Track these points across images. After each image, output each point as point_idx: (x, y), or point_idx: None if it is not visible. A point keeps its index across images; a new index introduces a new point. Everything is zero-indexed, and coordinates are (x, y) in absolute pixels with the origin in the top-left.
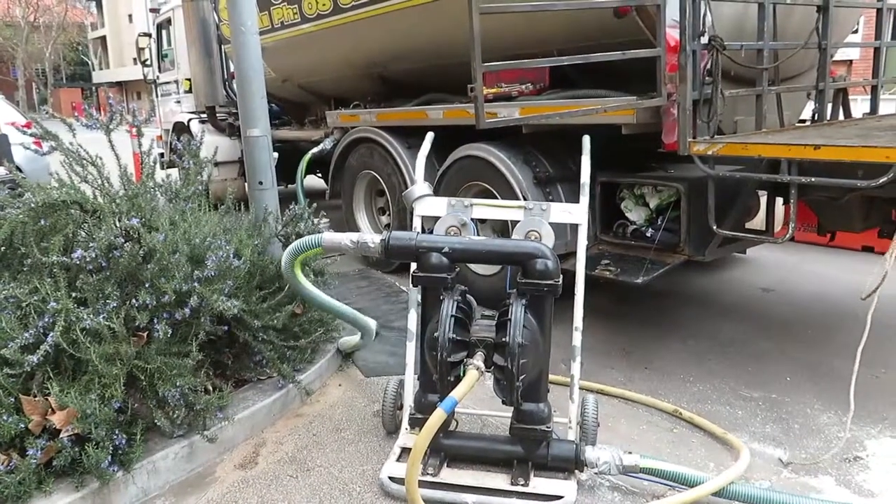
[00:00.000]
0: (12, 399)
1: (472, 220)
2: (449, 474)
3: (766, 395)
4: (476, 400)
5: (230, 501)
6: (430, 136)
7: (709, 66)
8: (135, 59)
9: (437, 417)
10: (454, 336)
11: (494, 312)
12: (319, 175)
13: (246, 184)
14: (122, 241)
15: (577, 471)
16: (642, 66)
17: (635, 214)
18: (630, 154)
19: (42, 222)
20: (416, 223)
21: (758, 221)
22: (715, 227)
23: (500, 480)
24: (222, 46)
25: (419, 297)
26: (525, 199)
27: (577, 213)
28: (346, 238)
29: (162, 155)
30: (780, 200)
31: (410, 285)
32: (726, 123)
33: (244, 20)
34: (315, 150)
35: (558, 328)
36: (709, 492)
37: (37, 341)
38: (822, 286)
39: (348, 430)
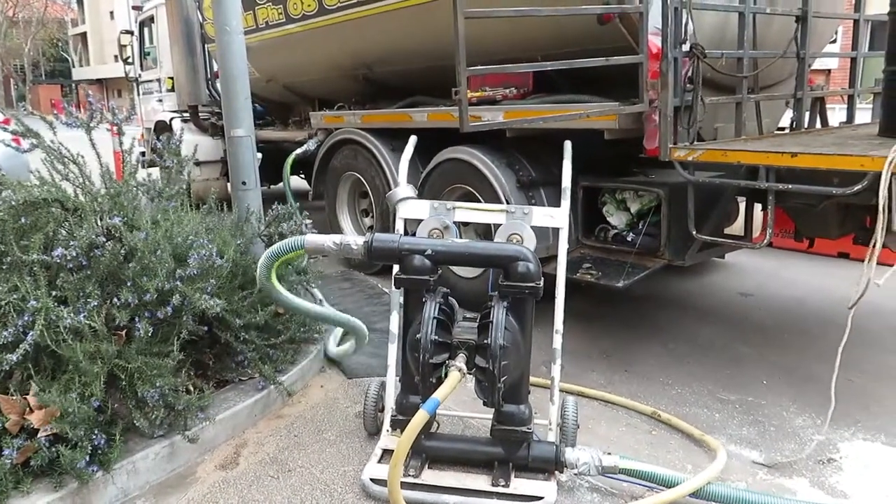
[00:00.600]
0: None
1: (454, 222)
2: (430, 475)
3: (743, 397)
4: (457, 402)
5: (211, 502)
6: (413, 139)
7: (690, 74)
8: (116, 57)
9: (419, 419)
10: (436, 338)
11: (476, 315)
12: (303, 176)
13: (229, 184)
14: (104, 239)
15: (557, 472)
16: (625, 72)
17: (617, 219)
18: (612, 159)
19: (22, 220)
20: (399, 225)
21: (737, 227)
22: (695, 232)
23: (481, 481)
24: (206, 45)
25: (401, 299)
26: (508, 202)
27: (558, 216)
28: (328, 240)
29: (143, 154)
30: (758, 206)
31: (393, 287)
32: (707, 130)
33: (229, 20)
34: (299, 150)
35: (539, 331)
36: (686, 492)
37: (16, 340)
38: (799, 291)
39: (330, 432)
